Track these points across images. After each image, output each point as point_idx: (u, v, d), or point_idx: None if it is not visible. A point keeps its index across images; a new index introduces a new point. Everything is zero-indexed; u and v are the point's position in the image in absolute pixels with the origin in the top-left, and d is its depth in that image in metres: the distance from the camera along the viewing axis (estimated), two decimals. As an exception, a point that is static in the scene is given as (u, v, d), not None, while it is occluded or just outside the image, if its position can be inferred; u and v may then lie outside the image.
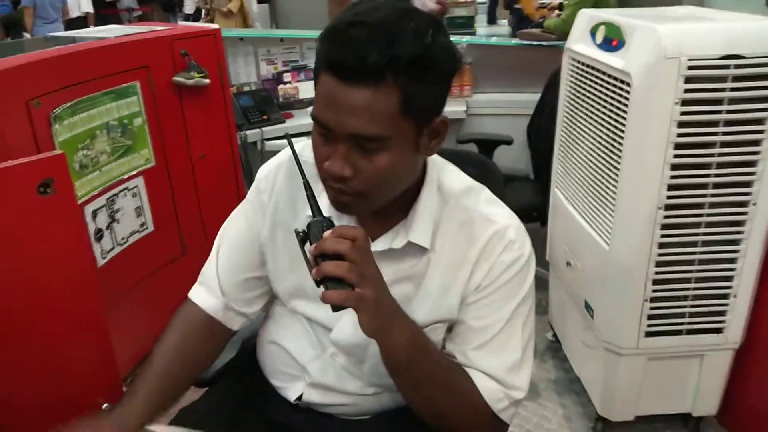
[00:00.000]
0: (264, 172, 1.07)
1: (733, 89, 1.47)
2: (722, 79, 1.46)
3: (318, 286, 0.80)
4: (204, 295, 1.10)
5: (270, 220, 1.03)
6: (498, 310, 0.95)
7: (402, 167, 0.85)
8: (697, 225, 1.61)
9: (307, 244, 0.84)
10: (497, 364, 0.94)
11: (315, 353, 1.06)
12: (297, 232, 0.86)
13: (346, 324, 0.91)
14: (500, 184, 1.22)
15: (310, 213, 0.88)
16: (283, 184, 1.02)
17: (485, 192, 1.00)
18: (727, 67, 1.45)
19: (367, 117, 0.78)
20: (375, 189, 0.85)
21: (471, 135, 2.88)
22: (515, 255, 0.94)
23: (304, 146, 0.97)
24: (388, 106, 0.78)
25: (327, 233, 0.81)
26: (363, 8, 0.79)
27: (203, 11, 5.86)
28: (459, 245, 0.95)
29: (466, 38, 3.35)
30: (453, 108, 3.08)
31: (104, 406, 1.19)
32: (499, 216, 0.96)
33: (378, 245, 0.95)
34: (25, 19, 6.17)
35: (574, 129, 1.94)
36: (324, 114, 0.81)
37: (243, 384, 1.15)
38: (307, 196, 0.87)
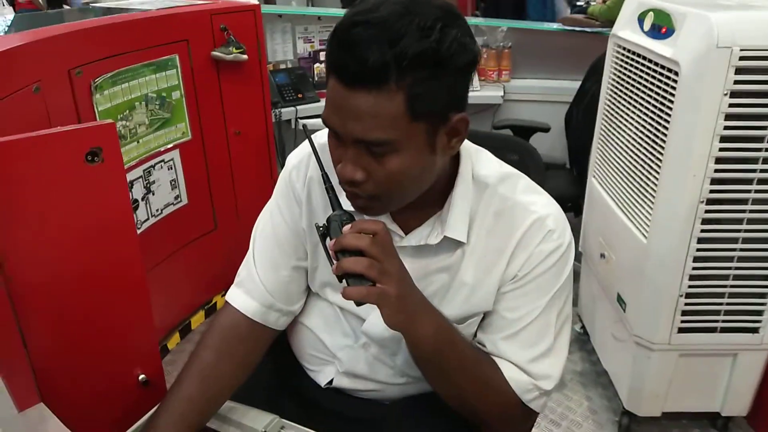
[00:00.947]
0: (294, 161, 1.03)
1: None
2: None
3: (340, 281, 0.79)
4: (243, 297, 1.03)
5: (306, 210, 1.00)
6: (532, 301, 0.93)
7: (416, 169, 0.81)
8: (739, 221, 1.56)
9: (328, 238, 0.83)
10: (527, 354, 0.93)
11: (347, 342, 1.05)
12: (317, 227, 0.84)
13: (378, 318, 0.89)
14: (541, 171, 1.20)
15: (342, 200, 0.86)
16: (313, 172, 0.99)
17: (523, 179, 0.96)
18: None
19: (371, 122, 0.75)
20: (389, 192, 0.82)
21: (507, 121, 2.85)
22: (555, 245, 0.91)
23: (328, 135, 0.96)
24: (393, 109, 0.74)
25: (346, 228, 0.80)
26: (366, 6, 0.75)
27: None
28: (496, 236, 0.93)
29: (506, 22, 3.29)
30: (490, 93, 3.04)
31: (140, 377, 1.21)
32: (538, 204, 0.93)
33: (412, 240, 0.93)
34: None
35: (616, 117, 1.90)
36: (331, 119, 0.78)
37: (275, 361, 1.15)
38: (326, 189, 0.86)
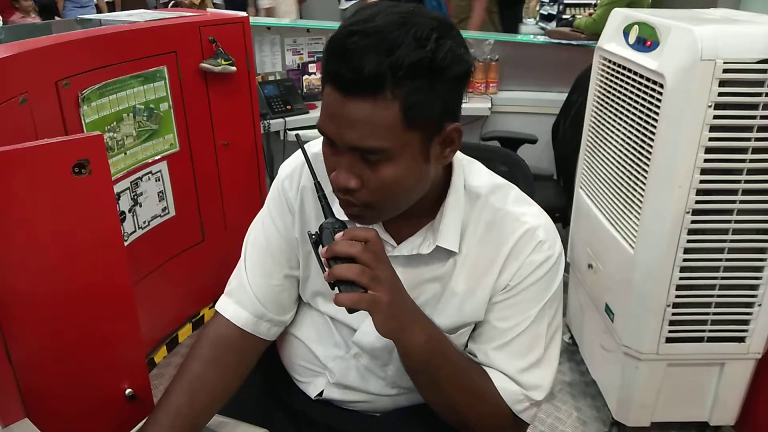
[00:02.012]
0: (287, 170, 1.03)
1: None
2: (758, 83, 1.43)
3: (332, 288, 0.79)
4: (233, 307, 1.02)
5: (299, 218, 1.00)
6: (523, 311, 0.93)
7: (410, 178, 0.81)
8: (725, 231, 1.58)
9: (321, 246, 0.83)
10: (518, 364, 0.93)
11: (338, 353, 1.04)
12: (310, 235, 0.84)
13: (370, 327, 0.88)
14: (530, 182, 1.20)
15: (335, 209, 0.86)
16: (306, 181, 0.99)
17: (514, 190, 0.97)
18: (763, 71, 1.42)
19: (366, 130, 0.75)
20: (382, 200, 0.82)
21: (495, 133, 2.86)
22: (545, 255, 0.92)
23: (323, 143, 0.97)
24: (389, 117, 0.74)
25: (339, 235, 0.80)
26: (362, 16, 0.75)
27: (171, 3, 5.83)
28: (487, 246, 0.93)
29: (493, 35, 3.32)
30: (478, 105, 3.06)
31: (127, 392, 1.20)
32: (528, 215, 0.94)
33: (404, 249, 0.93)
34: (58, 2, 6.24)
35: (603, 129, 1.92)
36: (326, 126, 0.79)
37: (264, 374, 1.14)
38: (318, 197, 0.86)
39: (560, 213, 2.49)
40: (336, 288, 0.79)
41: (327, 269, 0.79)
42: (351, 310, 0.79)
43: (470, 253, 0.93)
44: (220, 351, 1.00)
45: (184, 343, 2.45)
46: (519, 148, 2.72)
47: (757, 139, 1.48)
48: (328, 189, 0.86)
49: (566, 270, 1.07)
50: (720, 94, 1.44)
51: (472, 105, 3.04)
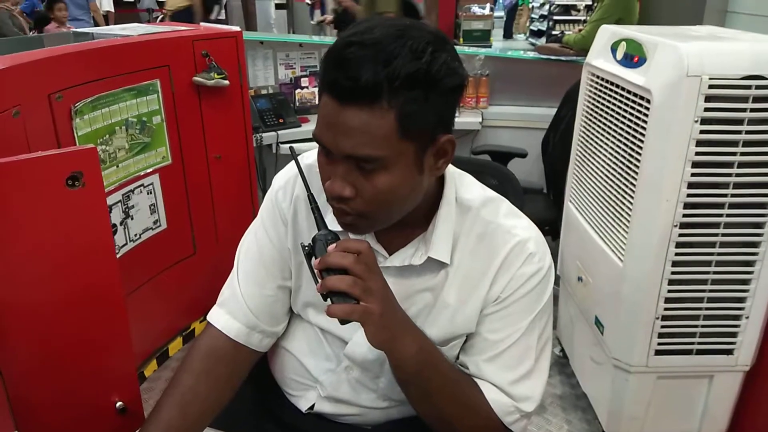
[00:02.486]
0: (281, 181, 1.04)
1: (753, 110, 1.46)
2: (743, 99, 1.46)
3: (324, 299, 0.80)
4: (225, 317, 1.02)
5: (292, 229, 1.01)
6: (514, 323, 0.94)
7: (404, 188, 0.83)
8: (712, 245, 1.60)
9: (314, 257, 0.84)
10: (509, 376, 0.94)
11: (329, 366, 1.05)
12: (303, 246, 0.85)
13: (361, 338, 0.89)
14: (520, 196, 1.22)
15: (328, 220, 0.87)
16: (300, 192, 1.00)
17: (505, 204, 0.98)
18: (748, 87, 1.45)
19: (362, 138, 0.76)
20: (376, 209, 0.83)
21: (485, 147, 2.89)
22: (535, 268, 0.93)
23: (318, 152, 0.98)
24: (384, 127, 0.76)
25: (331, 247, 0.81)
26: (360, 28, 0.77)
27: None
28: (478, 258, 0.94)
29: (483, 50, 3.36)
30: (468, 119, 3.09)
31: (118, 405, 1.19)
32: (519, 228, 0.95)
33: (396, 260, 0.94)
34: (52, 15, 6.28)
35: (591, 144, 1.94)
36: (323, 134, 0.80)
37: (255, 387, 1.14)
38: (312, 209, 0.87)
39: (550, 226, 2.51)
40: (328, 299, 0.80)
41: (320, 280, 0.80)
42: (343, 321, 0.79)
43: (462, 264, 0.95)
44: (212, 363, 1.00)
45: (174, 356, 2.44)
46: (509, 162, 2.75)
47: (743, 154, 1.50)
48: (321, 200, 0.87)
49: (556, 283, 1.09)
50: (706, 110, 1.46)
51: (463, 119, 3.07)
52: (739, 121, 1.48)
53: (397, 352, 0.86)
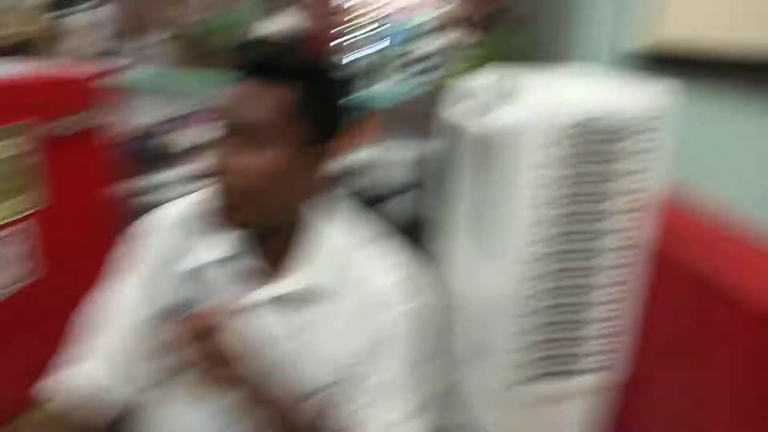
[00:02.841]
0: (144, 228, 1.05)
1: (583, 149, 1.54)
2: (581, 138, 1.53)
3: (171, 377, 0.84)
4: (78, 376, 1.00)
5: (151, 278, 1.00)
6: (391, 366, 0.96)
7: (286, 170, 0.89)
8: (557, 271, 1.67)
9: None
10: (389, 418, 0.95)
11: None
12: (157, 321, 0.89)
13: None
14: (397, 234, 1.25)
15: (200, 250, 0.94)
16: (161, 244, 1.01)
17: (380, 243, 1.01)
18: (582, 126, 1.52)
19: (260, 105, 0.86)
20: (255, 189, 0.87)
21: (366, 184, 2.82)
22: (410, 306, 0.96)
23: (190, 200, 1.01)
24: (283, 100, 0.87)
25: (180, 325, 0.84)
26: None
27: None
28: (351, 299, 0.96)
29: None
30: (349, 157, 3.09)
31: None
32: (393, 268, 0.98)
33: (273, 290, 0.95)
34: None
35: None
36: (225, 112, 0.89)
37: None
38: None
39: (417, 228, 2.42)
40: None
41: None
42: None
43: (337, 304, 0.96)
44: None
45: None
46: (392, 198, 2.76)
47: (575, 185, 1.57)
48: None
49: (446, 313, 1.12)
50: (564, 149, 1.53)
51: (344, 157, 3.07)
52: (576, 157, 1.55)
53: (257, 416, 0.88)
